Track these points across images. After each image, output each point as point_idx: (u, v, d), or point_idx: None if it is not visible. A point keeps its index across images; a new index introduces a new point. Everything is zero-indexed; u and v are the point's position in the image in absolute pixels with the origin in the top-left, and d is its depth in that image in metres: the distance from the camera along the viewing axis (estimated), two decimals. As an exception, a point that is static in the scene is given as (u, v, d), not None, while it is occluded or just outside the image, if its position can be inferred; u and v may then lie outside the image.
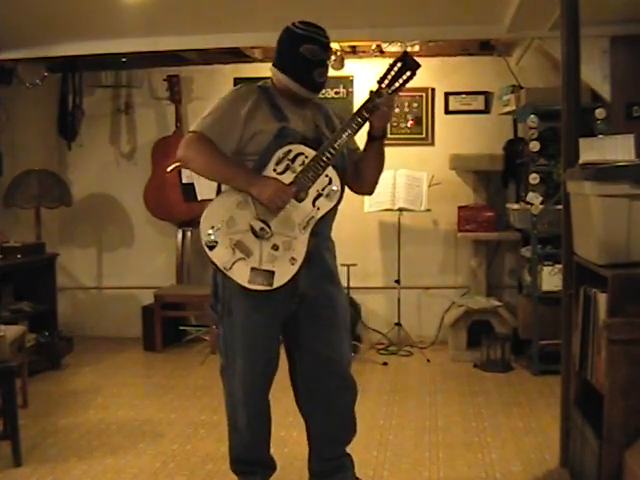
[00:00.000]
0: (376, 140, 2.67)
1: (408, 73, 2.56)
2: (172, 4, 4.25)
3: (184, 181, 5.08)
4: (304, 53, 2.56)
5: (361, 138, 2.71)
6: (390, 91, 2.56)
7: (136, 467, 3.32)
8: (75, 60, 5.65)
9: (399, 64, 2.56)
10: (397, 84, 2.57)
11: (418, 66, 2.57)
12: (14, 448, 3.33)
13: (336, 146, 2.54)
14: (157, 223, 6.02)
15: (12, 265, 4.95)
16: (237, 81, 5.80)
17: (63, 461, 3.39)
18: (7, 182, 5.52)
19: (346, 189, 2.71)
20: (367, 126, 2.63)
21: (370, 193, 2.90)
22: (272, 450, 2.88)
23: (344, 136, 2.55)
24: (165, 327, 5.59)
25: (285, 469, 3.16)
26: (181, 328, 5.90)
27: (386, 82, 2.56)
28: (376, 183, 2.81)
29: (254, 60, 5.68)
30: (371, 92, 2.57)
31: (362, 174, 2.75)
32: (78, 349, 5.54)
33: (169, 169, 5.31)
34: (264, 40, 4.93)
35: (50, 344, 5.14)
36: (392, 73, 2.56)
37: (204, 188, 4.93)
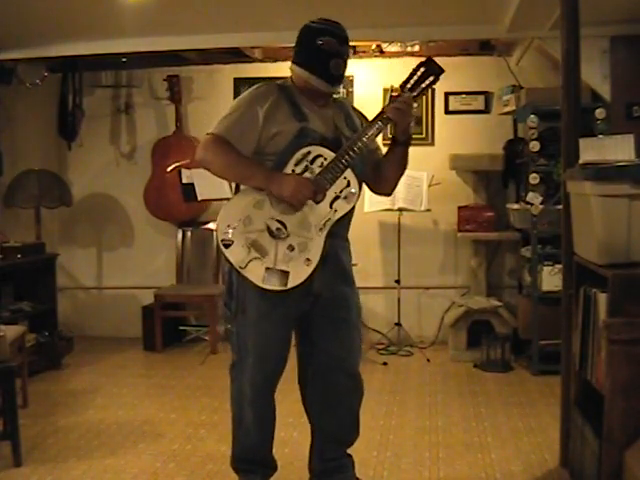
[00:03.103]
0: (400, 145, 2.67)
1: (431, 78, 2.58)
2: (172, 4, 4.25)
3: (184, 181, 5.09)
4: (320, 45, 2.56)
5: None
6: (412, 95, 2.57)
7: (136, 467, 3.32)
8: (75, 60, 5.65)
9: (422, 69, 2.57)
10: (420, 88, 2.58)
11: (442, 71, 2.58)
12: (14, 448, 3.33)
13: (356, 149, 2.54)
14: (157, 223, 6.02)
15: (12, 265, 4.95)
16: (237, 81, 5.81)
17: (63, 461, 3.39)
18: (7, 182, 5.53)
19: (364, 189, 2.72)
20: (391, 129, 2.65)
21: (389, 194, 2.92)
22: (273, 450, 2.88)
23: (364, 139, 2.55)
24: (165, 327, 5.59)
25: (285, 469, 3.16)
26: (181, 328, 5.90)
27: (408, 86, 2.57)
28: (396, 185, 2.82)
29: (254, 60, 5.68)
30: (392, 96, 2.59)
31: (383, 176, 2.76)
32: (78, 349, 5.54)
33: (169, 169, 5.33)
34: (264, 40, 4.94)
35: (50, 344, 5.14)
36: (415, 78, 2.57)
37: (204, 188, 4.94)
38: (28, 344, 4.59)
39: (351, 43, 5.51)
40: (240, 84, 5.78)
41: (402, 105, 2.56)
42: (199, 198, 5.08)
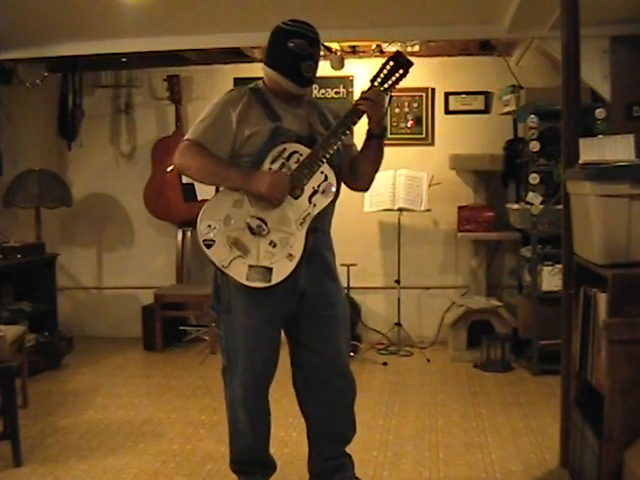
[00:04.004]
0: (374, 139, 2.69)
1: (401, 71, 2.61)
2: (172, 4, 4.24)
3: (184, 181, 5.09)
4: (291, 47, 2.58)
5: (359, 136, 2.73)
6: (383, 89, 2.60)
7: (136, 467, 3.32)
8: (75, 60, 5.65)
9: (391, 63, 2.61)
10: (390, 82, 2.61)
11: (410, 64, 2.61)
12: (14, 448, 3.33)
13: (331, 143, 2.56)
14: (157, 223, 6.02)
15: (12, 265, 4.95)
16: (237, 81, 5.80)
17: (63, 461, 3.39)
18: (7, 182, 5.53)
19: (342, 185, 2.73)
20: (366, 124, 2.66)
21: (366, 190, 2.92)
22: (272, 450, 2.89)
23: (339, 134, 2.58)
24: (165, 327, 5.59)
25: (285, 469, 3.16)
26: (181, 328, 5.90)
27: (379, 80, 2.61)
28: (372, 180, 2.84)
29: (254, 60, 5.67)
30: (363, 91, 2.62)
31: (358, 171, 2.78)
32: (78, 349, 5.54)
33: (169, 169, 5.32)
34: (264, 40, 4.87)
35: (50, 344, 5.14)
36: (385, 72, 2.61)
37: (204, 188, 4.94)
38: (28, 344, 4.59)
39: (351, 43, 5.52)
40: (240, 84, 5.73)
41: (372, 97, 2.59)
42: (199, 198, 5.07)
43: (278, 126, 2.59)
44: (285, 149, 2.58)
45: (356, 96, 5.77)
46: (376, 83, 2.61)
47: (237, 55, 5.59)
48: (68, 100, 5.90)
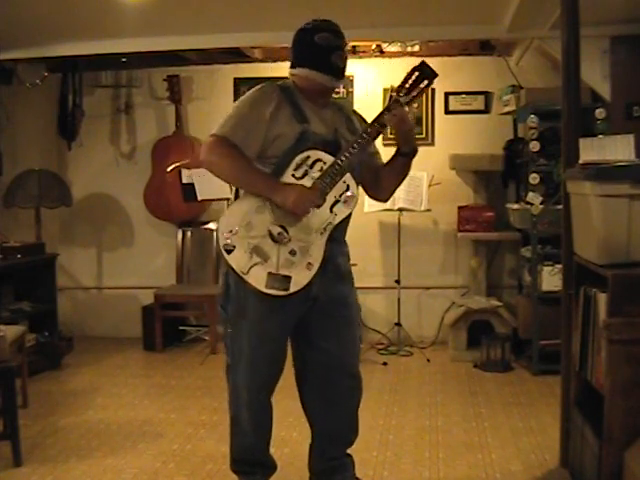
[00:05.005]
0: (402, 157, 2.69)
1: (425, 82, 2.59)
2: (172, 4, 4.25)
3: (184, 181, 5.10)
4: (318, 42, 2.58)
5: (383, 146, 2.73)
6: (407, 99, 2.58)
7: (136, 467, 3.32)
8: (75, 60, 5.66)
9: (416, 73, 2.59)
10: (414, 92, 2.59)
11: (435, 75, 2.60)
12: (14, 448, 3.33)
13: (354, 153, 2.54)
14: (157, 223, 6.02)
15: (12, 265, 4.95)
16: (237, 81, 5.81)
17: (63, 461, 3.39)
18: (7, 182, 5.53)
19: (360, 190, 2.73)
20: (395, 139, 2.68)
21: (385, 200, 2.93)
22: (272, 450, 2.88)
23: (361, 145, 2.56)
24: (165, 327, 5.58)
25: (285, 469, 3.16)
26: (181, 328, 5.90)
27: (404, 91, 2.59)
28: (393, 192, 2.85)
29: (254, 60, 5.68)
30: (389, 102, 2.59)
31: (381, 183, 2.78)
32: (78, 349, 5.54)
33: (169, 169, 5.33)
34: (264, 40, 4.94)
35: (50, 344, 5.14)
36: (410, 82, 2.59)
37: (204, 188, 4.95)
38: (28, 344, 4.59)
39: (351, 43, 5.51)
40: (240, 84, 5.78)
41: (397, 112, 2.56)
42: (199, 198, 5.08)
43: (305, 129, 2.56)
44: (309, 157, 2.55)
45: (356, 96, 5.85)
46: (401, 94, 2.58)
47: (237, 55, 5.59)
48: (68, 100, 5.90)
